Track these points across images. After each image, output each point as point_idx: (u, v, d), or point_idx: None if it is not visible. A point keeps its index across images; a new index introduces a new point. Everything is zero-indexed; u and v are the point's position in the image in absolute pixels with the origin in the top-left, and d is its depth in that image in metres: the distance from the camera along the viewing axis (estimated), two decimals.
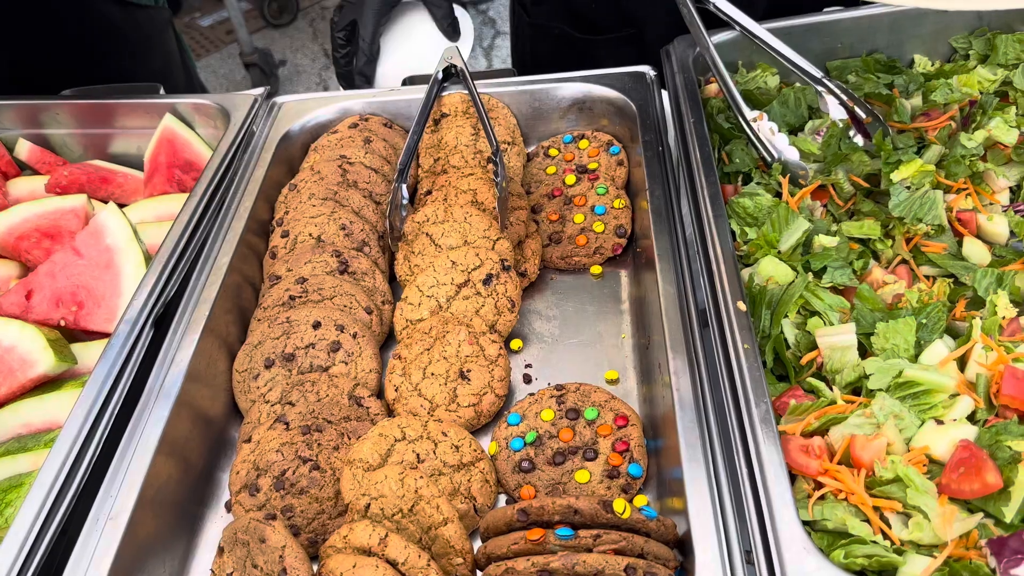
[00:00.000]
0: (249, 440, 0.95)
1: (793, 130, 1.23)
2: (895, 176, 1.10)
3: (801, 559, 0.70)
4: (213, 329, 1.03)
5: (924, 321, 0.95)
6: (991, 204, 1.12)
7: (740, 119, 1.15)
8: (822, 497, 0.77)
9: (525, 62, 1.65)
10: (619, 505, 0.72)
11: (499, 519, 0.74)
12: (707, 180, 1.07)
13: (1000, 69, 1.25)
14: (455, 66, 1.31)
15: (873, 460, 0.77)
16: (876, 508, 0.75)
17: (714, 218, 1.02)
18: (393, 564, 0.71)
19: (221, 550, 0.82)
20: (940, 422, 0.81)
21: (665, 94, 1.26)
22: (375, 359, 1.03)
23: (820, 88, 1.17)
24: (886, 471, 0.75)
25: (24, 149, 1.39)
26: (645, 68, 1.30)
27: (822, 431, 0.83)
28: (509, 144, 1.26)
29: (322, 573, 0.73)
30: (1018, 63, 1.24)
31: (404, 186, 1.16)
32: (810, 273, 1.01)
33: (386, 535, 0.72)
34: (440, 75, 1.30)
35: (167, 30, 1.78)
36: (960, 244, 1.08)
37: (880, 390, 0.87)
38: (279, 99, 1.36)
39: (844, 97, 1.16)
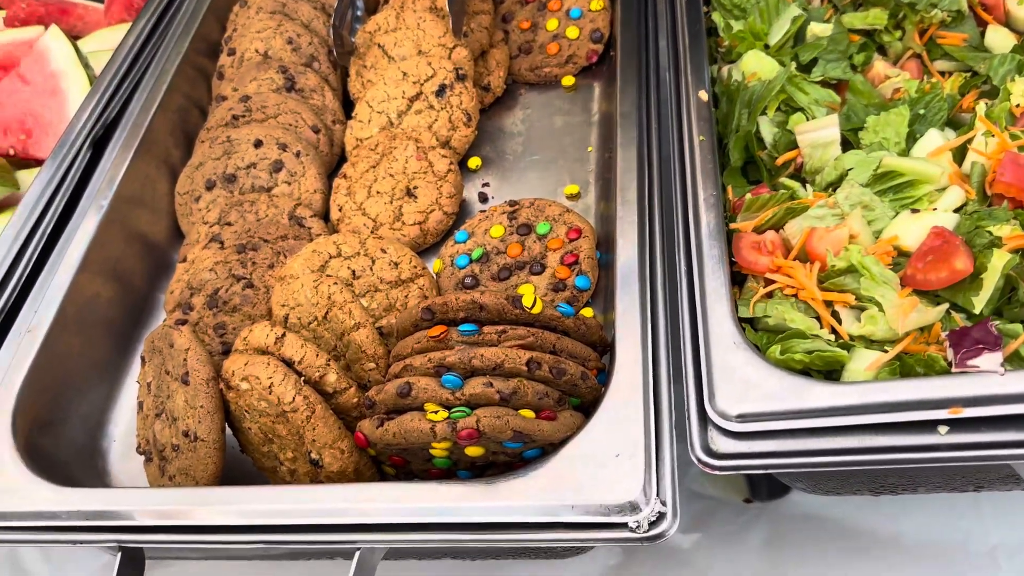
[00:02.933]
0: (184, 260, 0.91)
1: None
2: None
3: (729, 355, 0.62)
4: (151, 150, 0.98)
5: (922, 112, 0.82)
6: None
7: None
8: (770, 295, 0.69)
9: None
10: (528, 300, 0.65)
11: (406, 319, 0.68)
12: None
13: None
14: None
15: (827, 253, 0.68)
16: (828, 303, 0.66)
17: (685, 4, 0.90)
18: (288, 363, 0.66)
19: (143, 360, 0.79)
20: (916, 211, 0.71)
21: None
22: (320, 179, 0.97)
23: None
24: (839, 260, 0.66)
25: None
26: None
27: (779, 225, 0.73)
28: None
29: (221, 374, 0.69)
30: None
31: None
32: (794, 64, 0.88)
33: (283, 335, 0.68)
34: None
35: None
36: (983, 35, 0.93)
37: (860, 183, 0.76)
38: None
39: None
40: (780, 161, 0.83)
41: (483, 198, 0.97)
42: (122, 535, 0.63)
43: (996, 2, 0.95)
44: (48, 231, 0.90)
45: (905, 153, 0.79)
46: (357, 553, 0.60)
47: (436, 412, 0.60)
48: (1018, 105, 0.83)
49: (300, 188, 0.96)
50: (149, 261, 0.96)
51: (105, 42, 1.17)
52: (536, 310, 0.65)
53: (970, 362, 0.57)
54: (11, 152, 1.05)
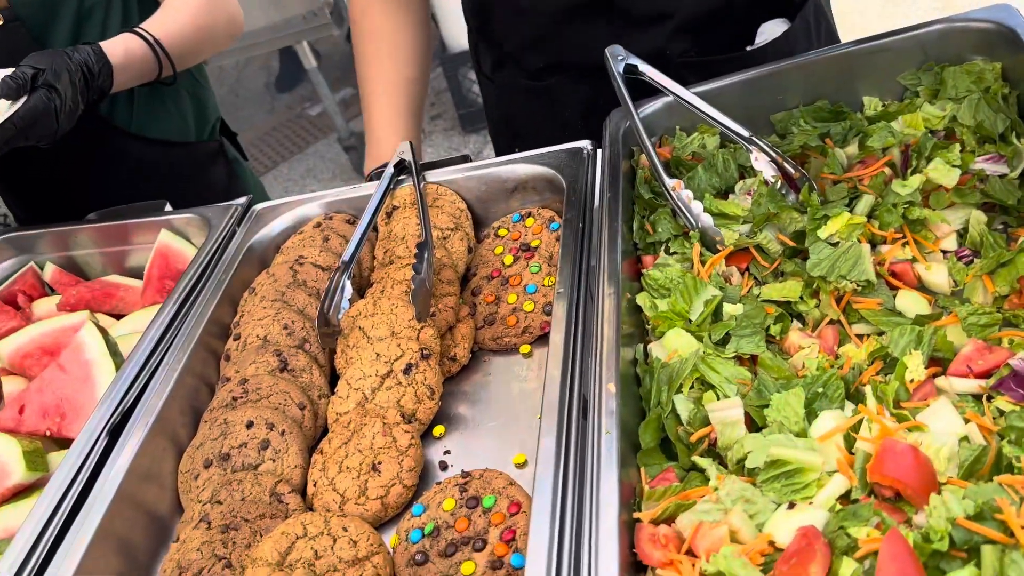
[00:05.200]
0: (177, 539, 1.03)
1: (723, 193, 1.20)
2: (822, 232, 1.07)
3: None
4: (162, 430, 1.13)
5: (821, 390, 0.90)
6: (932, 253, 1.06)
7: (663, 187, 1.15)
8: None
9: (500, 130, 1.69)
10: None
11: None
12: (609, 256, 1.07)
13: (950, 103, 1.18)
14: (404, 160, 1.38)
15: (709, 551, 0.75)
16: None
17: (606, 295, 1.02)
18: None
19: None
20: (792, 506, 0.77)
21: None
22: (300, 455, 1.09)
23: (749, 147, 1.15)
24: (711, 565, 0.72)
25: (49, 272, 1.57)
26: (584, 143, 1.32)
27: (672, 518, 0.81)
28: (452, 230, 1.31)
29: None
30: (977, 96, 1.16)
31: (347, 280, 1.22)
32: (701, 344, 0.98)
33: None
34: (392, 170, 1.38)
35: (213, 160, 1.94)
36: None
37: (757, 468, 0.84)
38: (257, 206, 1.48)
39: (772, 154, 1.14)
40: (694, 438, 0.92)
41: (443, 466, 1.07)
42: None
43: (905, 269, 1.04)
44: (66, 512, 1.03)
45: (804, 434, 0.86)
46: None
47: None
48: (912, 380, 0.90)
49: (282, 465, 1.08)
50: (152, 535, 1.08)
51: (137, 325, 1.36)
52: None
53: None
54: (48, 433, 1.21)
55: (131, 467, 1.07)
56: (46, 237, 1.62)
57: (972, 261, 1.03)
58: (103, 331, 1.27)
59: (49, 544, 1.00)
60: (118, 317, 1.44)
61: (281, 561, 0.93)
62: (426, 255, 1.16)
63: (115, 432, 1.13)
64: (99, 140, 1.72)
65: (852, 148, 1.18)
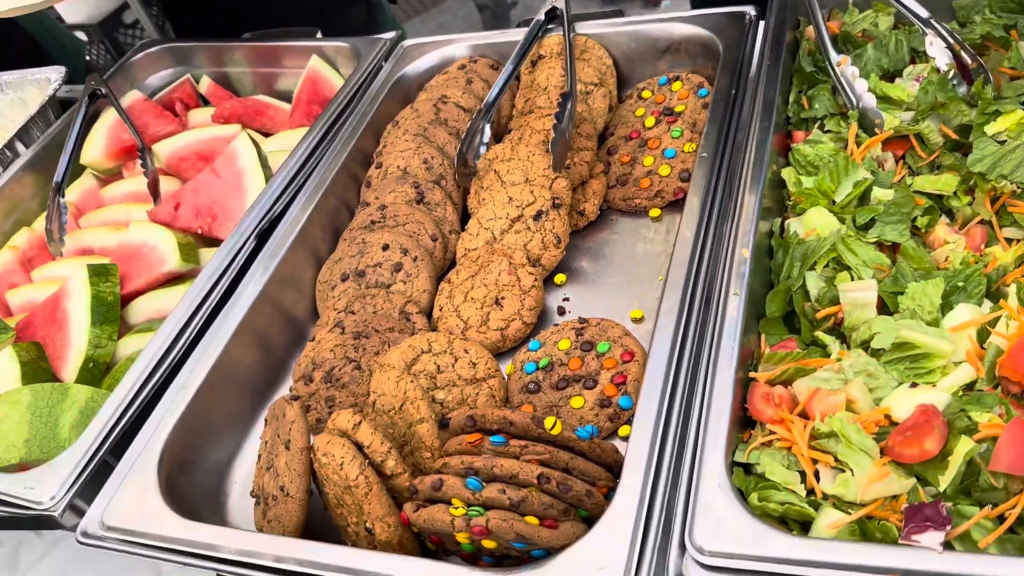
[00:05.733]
0: (313, 339, 1.12)
1: (890, 76, 1.14)
2: (990, 128, 1.01)
3: (712, 495, 0.72)
4: (304, 242, 1.20)
5: (961, 284, 0.88)
6: None
7: (827, 62, 1.10)
8: (768, 444, 0.78)
9: None
10: (549, 422, 0.78)
11: (457, 424, 0.84)
12: (760, 125, 1.05)
13: None
14: (557, 8, 1.35)
15: (824, 414, 0.76)
16: (815, 461, 0.75)
17: (752, 164, 1.00)
18: (359, 446, 0.83)
19: (266, 422, 0.99)
20: (915, 386, 0.77)
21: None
22: (429, 281, 1.15)
23: (925, 30, 1.09)
24: (824, 425, 0.74)
25: (205, 84, 1.65)
26: (748, 8, 1.26)
27: (790, 381, 0.82)
28: (596, 86, 1.30)
29: (312, 447, 0.87)
30: None
31: (487, 124, 1.24)
32: (843, 225, 0.96)
33: (360, 422, 0.85)
34: (543, 17, 1.36)
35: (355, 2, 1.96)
36: None
37: (883, 349, 0.84)
38: (405, 42, 1.49)
39: (950, 40, 1.07)
40: (821, 315, 0.92)
41: (561, 311, 1.11)
42: (217, 565, 0.82)
43: None
44: (213, 304, 1.13)
45: (936, 324, 0.85)
46: None
47: (457, 508, 0.74)
48: None
49: (412, 287, 1.15)
50: (289, 334, 1.17)
51: (286, 143, 1.43)
52: (555, 431, 0.78)
53: (914, 537, 0.64)
54: (199, 230, 1.31)
55: (275, 271, 1.15)
56: (203, 51, 1.69)
57: None
58: (256, 144, 1.34)
59: (197, 329, 1.11)
60: (265, 135, 1.51)
61: (406, 369, 1.00)
62: (569, 106, 1.16)
63: (262, 237, 1.21)
64: None
65: None
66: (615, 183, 1.21)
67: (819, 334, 0.89)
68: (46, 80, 1.68)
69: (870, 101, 1.06)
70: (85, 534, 0.91)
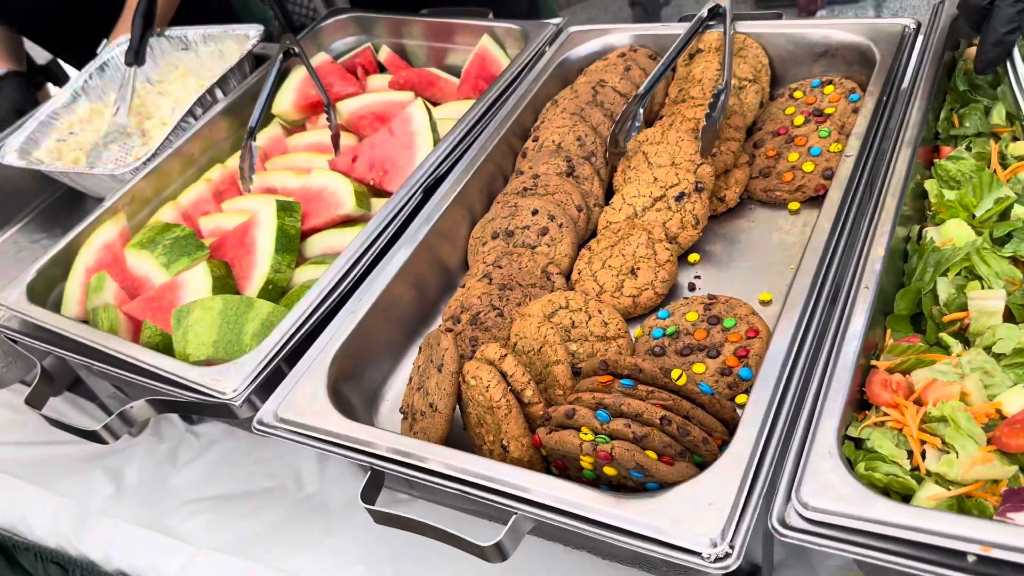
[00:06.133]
0: (463, 286, 1.25)
1: None
2: None
3: (823, 460, 0.79)
4: (463, 201, 1.33)
5: None
6: None
7: (1010, 66, 1.10)
8: (881, 424, 0.84)
9: None
10: (675, 373, 0.87)
11: (590, 367, 0.94)
12: (909, 135, 1.09)
13: None
14: (720, 5, 1.42)
15: (937, 401, 0.82)
16: (923, 443, 0.81)
17: (896, 170, 1.05)
18: (503, 375, 0.95)
19: (420, 350, 1.12)
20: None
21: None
22: (572, 247, 1.25)
23: None
24: (936, 409, 0.80)
25: (384, 54, 1.81)
26: (908, 21, 1.30)
27: (909, 370, 0.88)
28: (750, 82, 1.36)
29: (462, 372, 0.99)
30: None
31: (641, 109, 1.33)
32: (980, 237, 1.00)
33: (506, 355, 0.96)
34: (705, 14, 1.43)
35: None
36: None
37: (1004, 354, 0.88)
38: (571, 28, 1.60)
39: None
40: (947, 319, 0.96)
41: (691, 287, 1.19)
42: (372, 459, 0.96)
43: None
44: (381, 246, 1.28)
45: None
46: (512, 518, 0.86)
47: (586, 434, 0.84)
48: None
49: (556, 251, 1.25)
50: (442, 280, 1.31)
51: (453, 112, 1.56)
52: (680, 382, 0.87)
53: (1009, 515, 0.70)
54: (371, 182, 1.46)
55: (435, 224, 1.29)
56: (384, 22, 1.85)
57: None
58: (429, 111, 1.48)
59: (365, 267, 1.25)
60: (434, 103, 1.65)
61: (546, 320, 1.11)
62: (721, 98, 1.24)
63: (427, 193, 1.34)
64: None
65: None
66: (758, 175, 1.28)
67: (943, 336, 0.94)
68: (245, 36, 1.89)
69: None
70: (261, 423, 1.07)
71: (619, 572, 1.07)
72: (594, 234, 1.30)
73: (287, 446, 1.43)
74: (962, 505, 0.74)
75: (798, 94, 1.37)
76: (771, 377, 0.89)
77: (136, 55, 1.93)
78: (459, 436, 1.05)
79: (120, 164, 1.76)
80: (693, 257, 1.23)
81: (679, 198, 1.22)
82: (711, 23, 1.45)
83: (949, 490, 0.76)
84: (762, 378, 0.89)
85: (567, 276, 1.25)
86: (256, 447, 1.50)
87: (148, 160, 1.62)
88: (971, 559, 0.69)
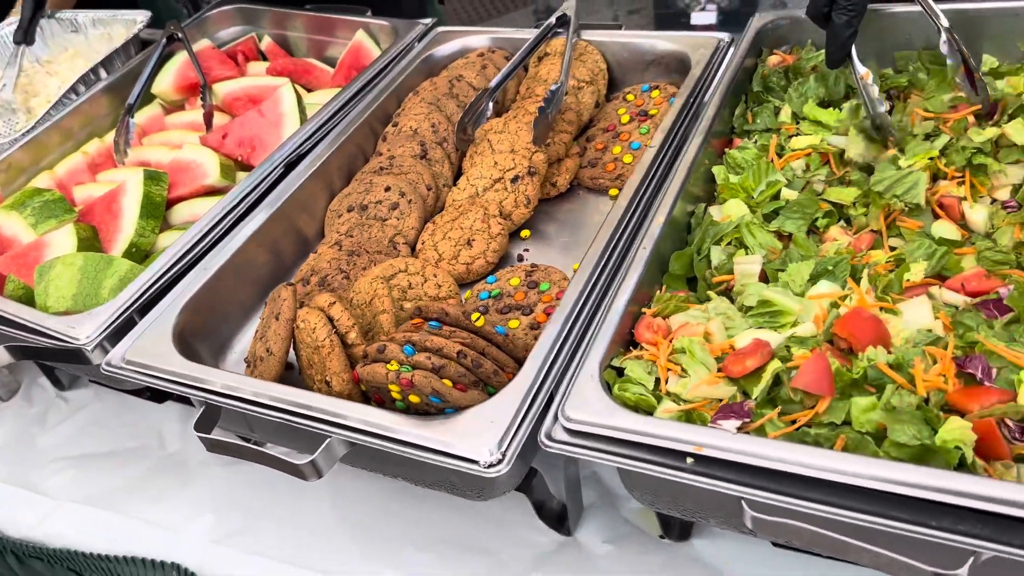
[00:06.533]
0: (315, 252, 1.36)
1: (825, 104, 1.34)
2: (903, 162, 1.19)
3: (585, 384, 0.94)
4: (322, 176, 1.45)
5: (831, 268, 1.08)
6: (983, 196, 1.18)
7: (853, 72, 1.25)
8: (640, 357, 0.99)
9: None
10: (474, 316, 1.01)
11: (407, 314, 1.07)
12: (702, 127, 1.27)
13: None
14: (567, 15, 1.59)
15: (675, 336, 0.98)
16: (669, 370, 0.96)
17: (688, 157, 1.22)
18: (331, 319, 1.06)
19: (266, 304, 1.22)
20: (761, 329, 0.98)
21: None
22: (419, 220, 1.38)
23: (944, 33, 1.25)
24: (679, 343, 0.95)
25: (265, 43, 1.92)
26: (723, 35, 1.48)
27: (669, 315, 1.04)
28: (587, 83, 1.53)
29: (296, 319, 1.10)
30: None
31: (491, 103, 1.48)
32: (753, 214, 1.17)
33: (335, 302, 1.08)
34: (553, 21, 1.59)
35: None
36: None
37: (752, 307, 1.05)
38: (440, 28, 1.74)
39: (962, 49, 1.22)
40: (716, 279, 1.13)
41: (520, 258, 1.34)
42: (205, 394, 1.06)
43: (952, 203, 1.18)
44: (240, 214, 1.38)
45: (802, 294, 1.06)
46: (327, 440, 0.98)
47: (392, 366, 0.97)
48: (908, 280, 1.07)
49: (404, 224, 1.38)
50: (298, 248, 1.42)
51: (323, 98, 1.67)
52: (479, 324, 1.00)
53: (718, 421, 0.86)
54: (239, 158, 1.56)
55: (293, 195, 1.40)
56: (269, 15, 1.96)
57: (1016, 212, 1.15)
58: (298, 94, 1.59)
59: (223, 231, 1.35)
60: (309, 90, 1.76)
61: (385, 281, 1.23)
62: (556, 96, 1.39)
63: (289, 167, 1.45)
64: None
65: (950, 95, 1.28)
66: (587, 164, 1.44)
67: (711, 293, 1.11)
68: (132, 21, 1.97)
69: (883, 110, 1.21)
70: (109, 364, 1.15)
71: (432, 500, 1.20)
72: (442, 210, 1.44)
73: (152, 408, 1.51)
74: (689, 417, 0.90)
75: (630, 96, 1.54)
76: (558, 321, 1.03)
77: (25, 34, 1.98)
78: (297, 380, 1.16)
79: (1, 137, 1.81)
80: (524, 233, 1.37)
81: (514, 180, 1.36)
82: (559, 30, 1.61)
83: (680, 405, 0.91)
84: (551, 322, 1.04)
85: (412, 246, 1.37)
86: (124, 410, 1.57)
87: (27, 132, 1.67)
88: (689, 460, 0.85)
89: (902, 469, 0.75)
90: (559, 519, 1.19)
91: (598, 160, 1.43)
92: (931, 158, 1.18)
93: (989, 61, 1.34)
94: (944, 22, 1.24)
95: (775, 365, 0.90)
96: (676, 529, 1.16)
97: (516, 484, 1.06)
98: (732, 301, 1.10)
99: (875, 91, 1.22)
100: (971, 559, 0.73)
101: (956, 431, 0.80)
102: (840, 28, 1.23)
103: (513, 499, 1.14)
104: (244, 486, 1.37)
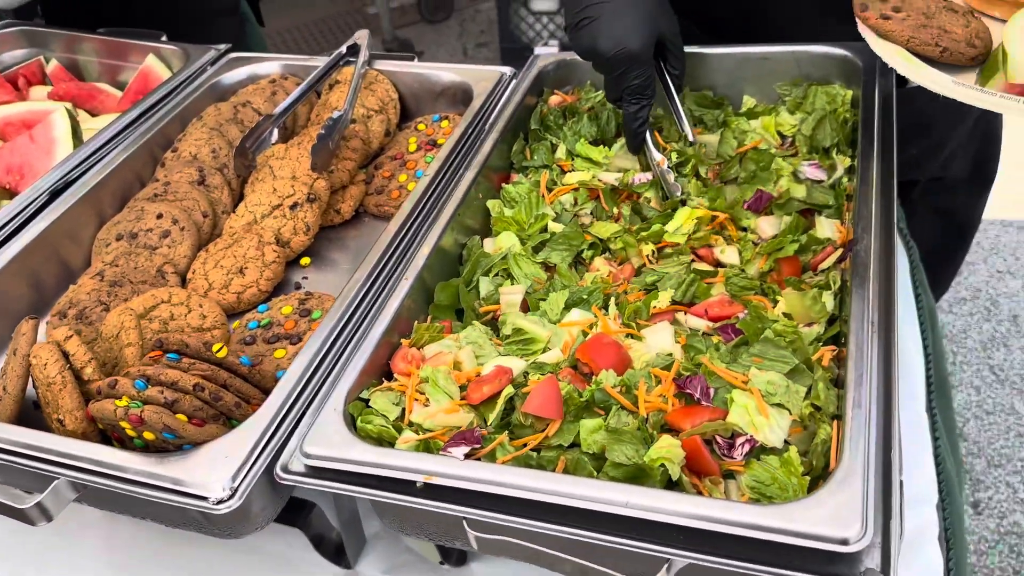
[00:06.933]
0: (76, 283, 1.29)
1: (597, 142, 1.40)
2: (670, 224, 1.24)
3: (328, 417, 0.93)
4: (91, 203, 1.37)
5: (586, 296, 1.12)
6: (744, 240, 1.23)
7: (648, 156, 1.30)
8: (389, 388, 0.99)
9: None
10: (216, 347, 0.98)
11: (148, 346, 1.02)
12: (475, 160, 1.29)
13: (804, 115, 1.37)
14: (357, 44, 1.59)
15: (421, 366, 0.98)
16: (416, 400, 0.96)
17: (461, 188, 1.24)
18: (65, 354, 1.00)
19: (11, 338, 1.14)
20: (507, 356, 1.01)
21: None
22: (192, 248, 1.34)
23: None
24: (423, 372, 0.96)
25: (51, 67, 1.81)
26: (507, 69, 1.52)
27: (424, 345, 1.04)
28: (376, 112, 1.53)
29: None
30: (823, 113, 1.34)
31: (276, 129, 1.46)
32: (521, 247, 1.20)
33: (71, 336, 1.02)
34: (344, 50, 1.59)
35: (225, 15, 2.17)
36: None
37: (509, 335, 1.07)
38: (232, 54, 1.70)
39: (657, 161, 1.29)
40: (484, 309, 1.15)
41: (297, 286, 1.32)
42: None
43: (707, 252, 1.23)
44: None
45: (558, 320, 1.09)
46: (54, 482, 0.92)
47: (123, 401, 0.92)
48: (655, 306, 1.12)
49: (175, 252, 1.33)
50: (61, 278, 1.33)
51: (105, 123, 1.60)
52: (220, 355, 0.97)
53: (449, 449, 0.86)
54: (7, 186, 1.46)
55: (56, 223, 1.32)
56: (58, 38, 1.85)
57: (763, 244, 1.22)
58: (73, 118, 1.51)
59: None
60: (95, 116, 1.68)
61: (144, 314, 1.18)
62: (337, 123, 1.39)
63: (54, 195, 1.37)
64: None
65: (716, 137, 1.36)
66: (373, 192, 1.44)
67: (476, 323, 1.12)
68: None
69: (678, 195, 1.26)
70: None
71: (211, 541, 1.15)
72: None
73: None
74: (427, 446, 0.90)
75: (421, 126, 1.55)
76: (308, 352, 1.02)
77: None
78: (40, 418, 1.08)
79: None
80: (305, 260, 1.35)
81: (293, 207, 1.34)
82: (351, 59, 1.61)
83: (420, 435, 0.91)
84: (301, 353, 1.02)
85: (184, 275, 1.32)
86: None
87: None
88: (419, 485, 0.85)
89: (599, 488, 0.78)
90: (338, 552, 1.17)
91: (384, 187, 1.44)
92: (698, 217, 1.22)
93: (748, 102, 1.44)
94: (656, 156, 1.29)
95: (508, 391, 0.92)
96: (455, 555, 1.16)
97: (271, 519, 1.03)
98: (498, 331, 1.12)
99: (671, 176, 1.27)
100: (665, 566, 0.76)
101: (665, 449, 0.84)
102: (629, 118, 1.27)
103: (297, 534, 1.12)
104: (9, 534, 1.27)
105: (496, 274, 1.19)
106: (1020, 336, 2.93)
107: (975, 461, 2.56)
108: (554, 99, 1.49)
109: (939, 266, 1.91)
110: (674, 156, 1.31)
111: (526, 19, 4.74)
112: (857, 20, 1.21)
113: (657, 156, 1.29)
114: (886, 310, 0.95)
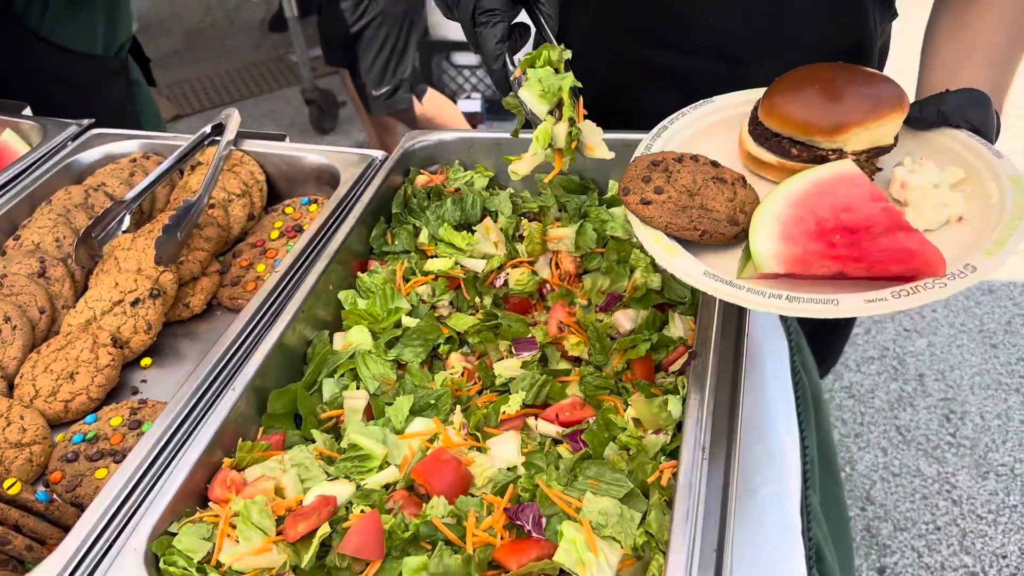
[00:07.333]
0: None
1: (461, 226, 1.35)
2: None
3: (127, 559, 0.84)
4: None
5: (434, 401, 1.07)
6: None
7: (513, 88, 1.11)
8: (200, 519, 0.91)
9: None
10: (8, 482, 0.89)
11: None
12: (328, 250, 1.23)
13: None
14: (222, 123, 1.53)
15: (250, 496, 0.91)
16: (229, 535, 0.89)
17: (310, 281, 1.18)
18: None
19: None
20: (334, 480, 0.94)
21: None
22: (23, 350, 1.24)
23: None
24: (234, 505, 0.89)
25: None
26: (379, 153, 1.47)
27: (245, 467, 0.97)
28: (238, 196, 1.46)
29: None
30: None
31: (128, 214, 1.37)
32: (371, 343, 1.14)
33: None
34: (208, 130, 1.52)
35: (112, 78, 2.09)
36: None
37: (342, 448, 1.00)
38: (94, 131, 1.62)
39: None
40: (325, 415, 1.08)
41: (135, 391, 1.23)
42: None
43: (561, 347, 1.18)
44: None
45: (402, 430, 1.03)
46: None
47: None
48: (505, 412, 1.07)
49: (5, 354, 1.23)
50: None
51: None
52: (12, 492, 0.88)
53: None
54: None
55: None
56: None
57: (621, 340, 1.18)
58: None
59: None
60: None
61: None
62: (191, 211, 1.31)
63: None
64: (5, 36, 1.85)
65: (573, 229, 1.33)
66: (228, 283, 1.36)
67: (314, 431, 1.05)
68: None
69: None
70: None
71: None
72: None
73: None
74: None
75: (289, 210, 1.49)
76: (122, 476, 0.93)
77: None
78: None
79: None
80: (146, 361, 1.27)
81: (135, 303, 1.26)
82: (217, 138, 1.54)
83: None
84: (114, 476, 0.93)
85: (11, 380, 1.22)
86: None
87: None
88: None
89: None
90: None
91: (240, 278, 1.36)
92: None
93: (613, 187, 1.42)
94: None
95: (324, 530, 0.85)
96: None
97: None
98: (339, 436, 1.06)
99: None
100: None
101: None
102: (486, 37, 1.08)
103: None
104: None
105: (342, 375, 1.13)
106: (926, 396, 2.97)
107: (882, 525, 2.55)
108: (421, 179, 1.44)
109: (828, 337, 1.91)
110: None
111: (447, 71, 4.74)
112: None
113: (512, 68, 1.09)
114: (729, 426, 0.92)
